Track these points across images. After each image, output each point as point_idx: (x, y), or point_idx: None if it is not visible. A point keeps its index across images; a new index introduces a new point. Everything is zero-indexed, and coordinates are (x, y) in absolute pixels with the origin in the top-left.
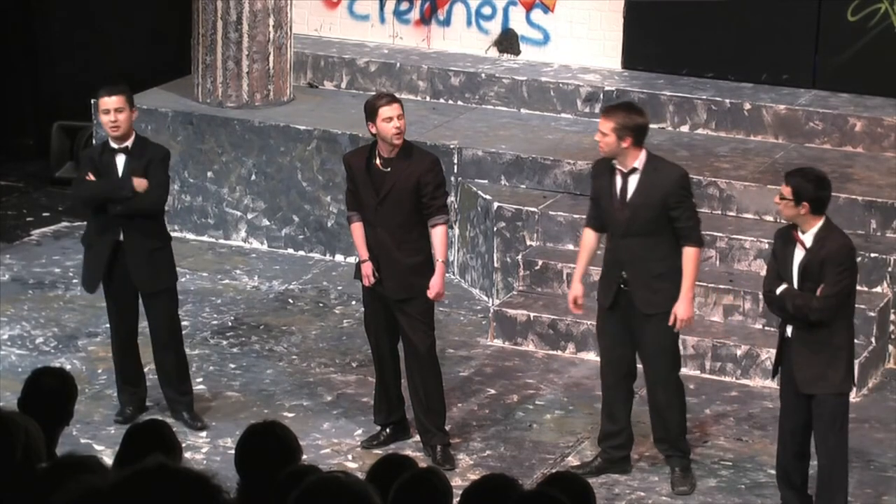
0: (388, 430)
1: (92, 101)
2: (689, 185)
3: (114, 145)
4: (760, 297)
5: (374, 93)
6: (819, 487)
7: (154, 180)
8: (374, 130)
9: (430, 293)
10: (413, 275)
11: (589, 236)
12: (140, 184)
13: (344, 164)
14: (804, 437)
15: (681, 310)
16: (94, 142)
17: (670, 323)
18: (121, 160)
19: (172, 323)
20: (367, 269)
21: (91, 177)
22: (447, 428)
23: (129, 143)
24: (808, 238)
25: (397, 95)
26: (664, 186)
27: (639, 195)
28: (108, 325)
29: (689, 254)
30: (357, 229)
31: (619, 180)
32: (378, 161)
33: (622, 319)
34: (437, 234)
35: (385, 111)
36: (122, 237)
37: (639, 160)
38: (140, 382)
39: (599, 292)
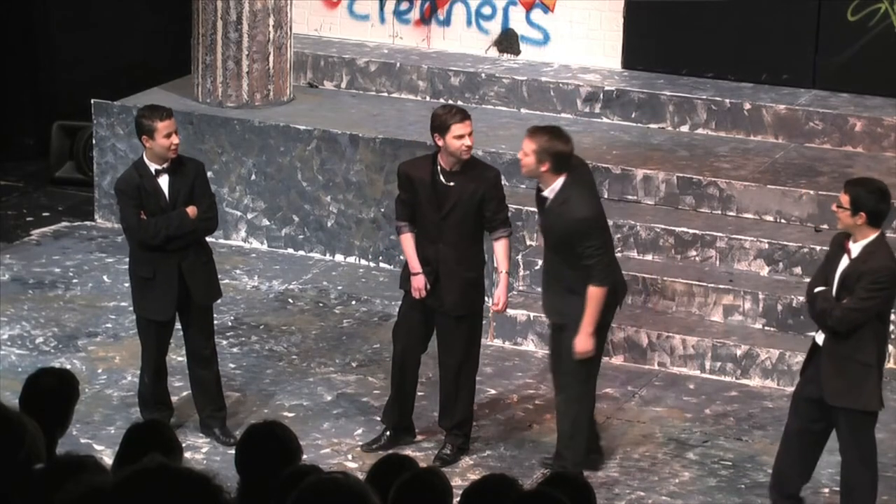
0: (389, 433)
1: (92, 101)
2: (592, 227)
3: (154, 167)
4: (761, 297)
5: (373, 93)
6: (842, 498)
7: (205, 202)
8: (440, 143)
9: (496, 306)
10: (472, 290)
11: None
12: (192, 212)
13: (400, 174)
14: (813, 446)
15: (578, 342)
16: (93, 142)
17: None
18: (164, 181)
19: (212, 339)
20: (420, 282)
21: (143, 215)
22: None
23: (168, 162)
24: (856, 248)
25: (396, 95)
26: (567, 224)
27: (547, 222)
28: (108, 325)
29: (589, 292)
30: (407, 240)
31: (542, 199)
32: (441, 175)
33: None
34: (501, 247)
35: (457, 129)
36: (182, 260)
37: (551, 188)
38: (170, 402)
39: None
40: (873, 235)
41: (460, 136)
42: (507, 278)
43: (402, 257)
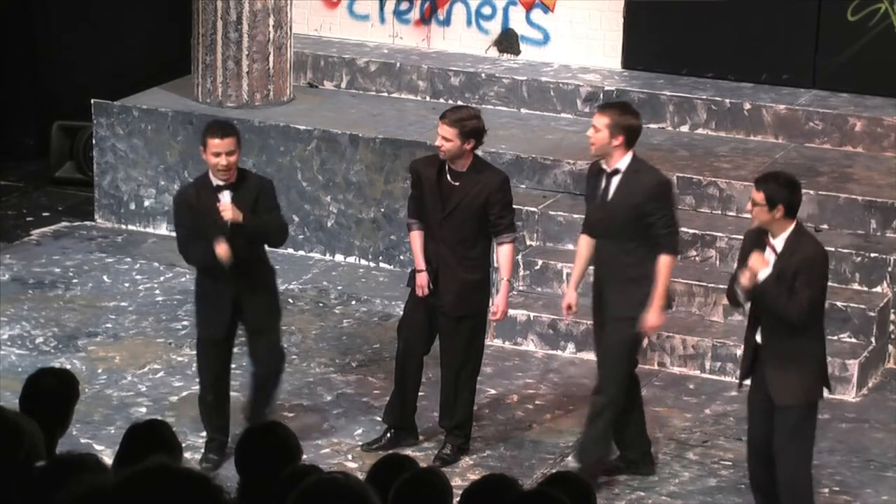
0: (391, 433)
1: (92, 101)
2: (669, 192)
3: (216, 181)
4: None
5: (374, 93)
6: (783, 499)
7: (270, 216)
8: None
9: (495, 313)
10: (472, 292)
11: (583, 242)
12: (223, 251)
13: (411, 170)
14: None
15: (649, 317)
16: (93, 142)
17: (639, 328)
18: (225, 198)
19: (279, 365)
20: (423, 279)
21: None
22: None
23: (232, 178)
24: (778, 243)
25: (396, 95)
26: (643, 191)
27: (617, 197)
28: (108, 325)
29: (661, 261)
30: (416, 238)
31: (602, 181)
32: (448, 174)
33: (604, 323)
34: (504, 253)
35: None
36: (241, 278)
37: (622, 161)
38: (227, 431)
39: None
40: (791, 226)
41: (437, 136)
42: (507, 285)
43: (402, 257)
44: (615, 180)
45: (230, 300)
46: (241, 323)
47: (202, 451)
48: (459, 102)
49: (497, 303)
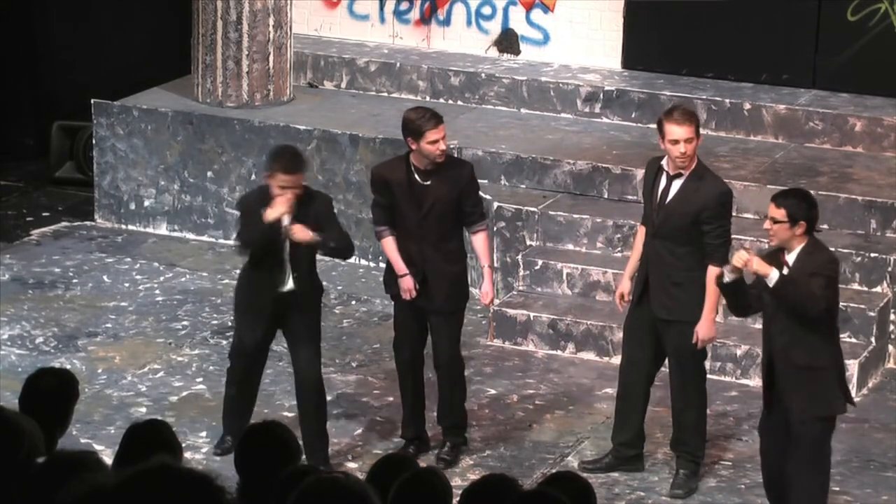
0: (414, 446)
1: (92, 101)
2: (729, 203)
3: None
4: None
5: (374, 93)
6: None
7: (333, 230)
8: (414, 147)
9: (484, 299)
10: (459, 284)
11: (640, 234)
12: (299, 232)
13: (375, 178)
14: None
15: (702, 329)
16: (93, 142)
17: (693, 341)
18: (285, 222)
19: (319, 361)
20: (408, 282)
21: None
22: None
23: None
24: (791, 257)
25: (396, 95)
26: (703, 199)
27: (676, 201)
28: (108, 325)
29: (711, 272)
30: (389, 244)
31: (663, 181)
32: (416, 175)
33: (648, 321)
34: (481, 241)
35: (432, 135)
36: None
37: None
38: (249, 415)
39: (633, 287)
40: (805, 241)
41: (434, 142)
42: (491, 271)
43: None
44: (676, 183)
45: (271, 309)
46: (283, 333)
47: (203, 450)
48: (459, 102)
49: (485, 290)
